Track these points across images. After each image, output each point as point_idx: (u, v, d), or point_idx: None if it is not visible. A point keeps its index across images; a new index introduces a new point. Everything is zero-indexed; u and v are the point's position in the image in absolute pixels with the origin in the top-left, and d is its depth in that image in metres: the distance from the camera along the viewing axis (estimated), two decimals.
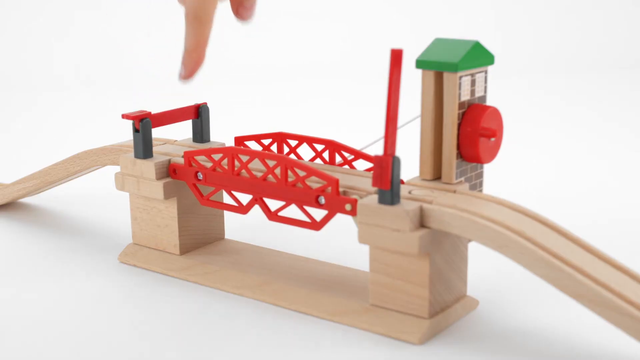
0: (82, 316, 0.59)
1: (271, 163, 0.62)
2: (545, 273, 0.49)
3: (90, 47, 1.66)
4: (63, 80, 1.56)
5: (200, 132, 0.69)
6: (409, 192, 0.55)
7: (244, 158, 0.63)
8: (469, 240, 0.58)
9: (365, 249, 0.66)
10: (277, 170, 0.59)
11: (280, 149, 0.66)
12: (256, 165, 0.62)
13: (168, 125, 0.67)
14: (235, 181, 0.61)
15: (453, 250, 0.56)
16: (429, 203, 0.53)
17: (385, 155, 0.52)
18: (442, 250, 0.54)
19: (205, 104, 0.68)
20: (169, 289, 0.63)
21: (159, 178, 0.64)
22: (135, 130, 0.64)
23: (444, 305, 0.56)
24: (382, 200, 0.53)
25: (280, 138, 0.65)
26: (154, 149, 0.67)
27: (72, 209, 0.82)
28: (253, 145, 0.70)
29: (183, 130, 1.01)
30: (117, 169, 0.85)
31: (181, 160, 0.64)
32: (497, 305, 0.59)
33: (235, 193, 0.64)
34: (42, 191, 0.81)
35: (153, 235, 0.67)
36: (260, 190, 0.60)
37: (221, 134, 0.96)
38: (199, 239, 0.68)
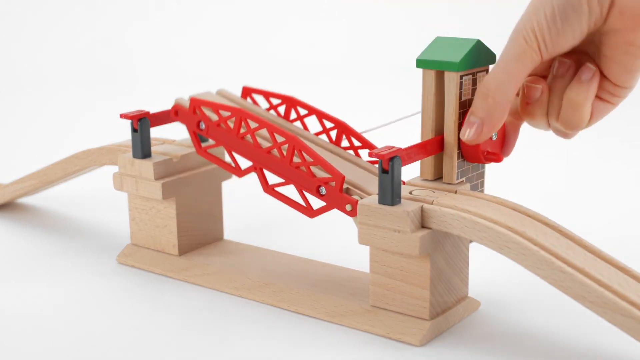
0: (80, 317, 0.58)
1: (280, 139, 0.61)
2: (547, 274, 0.48)
3: (89, 46, 1.65)
4: (61, 80, 1.55)
5: None
6: (410, 193, 0.54)
7: (253, 125, 0.60)
8: (470, 241, 0.57)
9: (365, 249, 0.65)
10: (284, 147, 0.58)
11: (287, 114, 0.64)
12: (263, 132, 0.61)
13: (166, 124, 0.67)
14: (238, 143, 0.60)
15: (454, 251, 0.55)
16: (429, 203, 0.53)
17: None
18: (443, 251, 0.54)
19: None
20: (167, 290, 0.62)
21: (157, 178, 0.63)
22: (134, 130, 0.64)
23: (445, 306, 0.55)
24: (382, 201, 0.53)
25: (290, 102, 0.63)
26: (153, 148, 0.67)
27: (70, 209, 0.82)
28: (261, 100, 0.68)
29: (182, 130, 1.00)
30: (115, 169, 0.85)
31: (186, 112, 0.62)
32: (498, 306, 0.59)
33: (235, 155, 0.62)
34: (41, 191, 0.81)
35: (152, 235, 0.66)
36: (262, 161, 0.59)
37: None
38: (198, 240, 0.67)
